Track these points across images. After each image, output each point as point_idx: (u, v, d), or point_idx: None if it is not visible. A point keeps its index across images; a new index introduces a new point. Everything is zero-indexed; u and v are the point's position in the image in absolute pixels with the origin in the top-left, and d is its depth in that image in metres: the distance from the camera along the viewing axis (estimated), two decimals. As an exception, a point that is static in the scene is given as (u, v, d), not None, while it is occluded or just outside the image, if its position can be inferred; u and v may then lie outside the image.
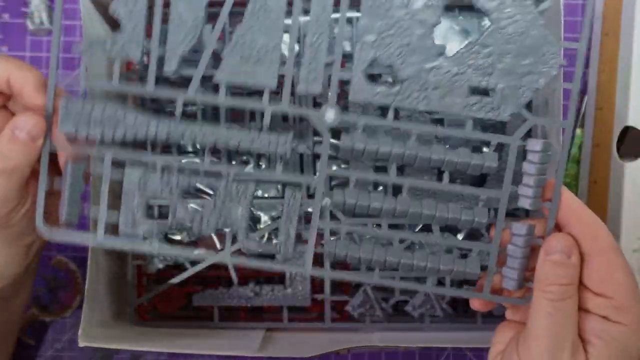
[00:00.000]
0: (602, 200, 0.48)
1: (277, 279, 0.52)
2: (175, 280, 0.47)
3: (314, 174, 0.49)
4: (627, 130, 0.50)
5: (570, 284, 0.35)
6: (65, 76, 0.54)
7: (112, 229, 0.39)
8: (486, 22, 0.50)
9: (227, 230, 0.38)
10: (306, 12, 0.37)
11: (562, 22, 0.43)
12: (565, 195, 0.37)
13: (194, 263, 0.50)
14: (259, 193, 0.49)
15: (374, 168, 0.48)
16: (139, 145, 0.39)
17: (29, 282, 0.47)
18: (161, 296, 0.52)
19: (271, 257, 0.42)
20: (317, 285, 0.49)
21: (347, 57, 0.48)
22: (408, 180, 0.38)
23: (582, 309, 0.36)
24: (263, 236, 0.50)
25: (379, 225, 0.41)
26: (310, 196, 0.38)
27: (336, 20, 0.37)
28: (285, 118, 0.49)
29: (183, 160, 0.40)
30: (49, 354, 0.55)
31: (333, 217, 0.45)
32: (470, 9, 0.47)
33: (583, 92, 0.53)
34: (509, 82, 0.37)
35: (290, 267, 0.39)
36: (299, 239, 0.39)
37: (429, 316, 0.51)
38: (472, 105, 0.37)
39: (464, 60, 0.37)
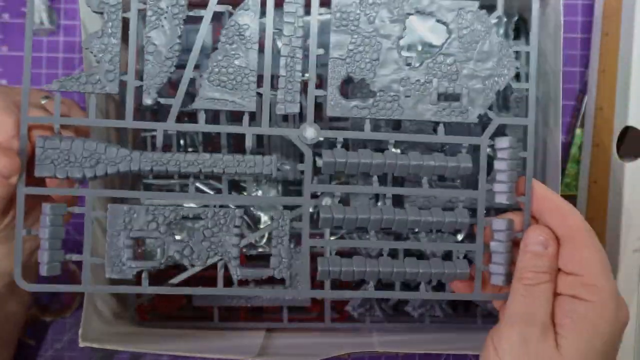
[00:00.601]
0: (602, 200, 0.49)
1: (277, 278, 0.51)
2: (175, 280, 0.45)
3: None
4: (627, 130, 0.49)
5: (544, 272, 0.37)
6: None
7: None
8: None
9: (219, 261, 0.38)
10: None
11: (562, 22, 0.44)
12: (537, 187, 0.39)
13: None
14: (259, 193, 0.49)
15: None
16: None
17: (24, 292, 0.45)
18: (161, 296, 0.51)
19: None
20: (317, 285, 0.48)
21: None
22: (390, 190, 0.39)
23: (556, 293, 0.38)
24: (263, 236, 0.49)
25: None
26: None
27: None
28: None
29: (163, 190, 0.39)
30: (49, 354, 0.54)
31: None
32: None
33: (583, 92, 0.54)
34: (473, 85, 0.39)
35: (290, 292, 0.39)
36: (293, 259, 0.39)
37: (428, 316, 0.52)
38: (443, 110, 0.39)
39: (430, 69, 0.39)
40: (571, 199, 0.52)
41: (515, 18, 0.50)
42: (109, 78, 0.37)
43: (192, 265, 0.38)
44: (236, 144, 0.46)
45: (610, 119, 0.49)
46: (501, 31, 0.50)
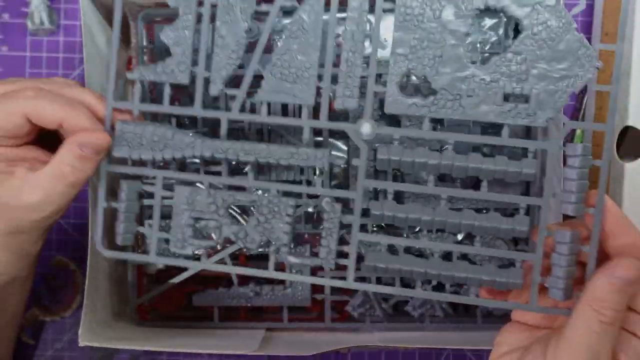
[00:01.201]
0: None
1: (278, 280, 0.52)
2: (175, 280, 0.47)
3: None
4: (627, 130, 0.49)
5: (621, 311, 0.34)
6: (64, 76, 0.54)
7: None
8: (486, 22, 0.49)
9: (270, 248, 0.39)
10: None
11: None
12: (610, 205, 0.36)
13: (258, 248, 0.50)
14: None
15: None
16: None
17: (23, 287, 0.47)
18: (161, 296, 0.52)
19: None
20: (317, 285, 0.48)
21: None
22: (446, 190, 0.38)
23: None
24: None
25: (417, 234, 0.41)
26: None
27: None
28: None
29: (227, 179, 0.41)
30: (49, 354, 0.54)
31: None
32: None
33: (583, 92, 0.52)
34: (544, 87, 0.36)
35: (332, 282, 0.40)
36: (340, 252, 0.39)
37: (429, 316, 0.50)
38: (508, 112, 0.37)
39: (497, 68, 0.37)
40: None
41: None
42: (180, 69, 0.40)
43: (246, 247, 0.40)
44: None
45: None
46: (501, 31, 0.48)
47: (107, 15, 0.48)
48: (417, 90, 0.40)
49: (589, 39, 0.50)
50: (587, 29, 0.51)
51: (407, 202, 0.46)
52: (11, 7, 0.54)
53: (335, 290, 0.51)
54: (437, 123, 0.47)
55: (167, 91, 0.40)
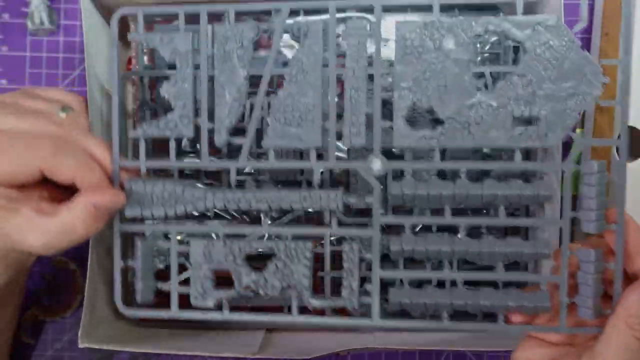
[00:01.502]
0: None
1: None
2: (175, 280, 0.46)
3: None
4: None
5: None
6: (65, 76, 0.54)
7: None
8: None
9: (291, 292, 0.39)
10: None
11: (562, 22, 0.41)
12: (631, 222, 0.36)
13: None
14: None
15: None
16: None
17: (14, 297, 0.47)
18: (161, 296, 0.50)
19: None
20: (317, 285, 0.47)
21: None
22: (464, 220, 0.38)
23: None
24: (263, 236, 0.47)
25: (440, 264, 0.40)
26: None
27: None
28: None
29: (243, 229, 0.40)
30: (49, 354, 0.54)
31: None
32: (469, 8, 0.46)
33: None
34: (553, 107, 0.36)
35: (358, 322, 0.39)
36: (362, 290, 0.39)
37: (429, 316, 0.49)
38: (518, 135, 0.36)
39: (503, 92, 0.36)
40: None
41: None
42: (183, 123, 0.39)
43: (267, 295, 0.39)
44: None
45: (610, 119, 0.46)
46: None
47: (107, 15, 0.47)
48: (424, 122, 0.39)
49: (589, 39, 0.49)
50: (587, 29, 0.51)
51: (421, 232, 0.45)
52: (11, 7, 0.53)
53: (335, 290, 0.50)
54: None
55: (172, 146, 0.40)
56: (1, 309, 0.46)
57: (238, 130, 0.40)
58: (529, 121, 0.37)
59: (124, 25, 0.38)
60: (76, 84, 0.53)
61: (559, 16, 0.36)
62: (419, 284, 0.39)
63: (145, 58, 0.48)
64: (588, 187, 0.36)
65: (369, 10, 0.38)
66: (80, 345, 0.43)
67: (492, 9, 0.45)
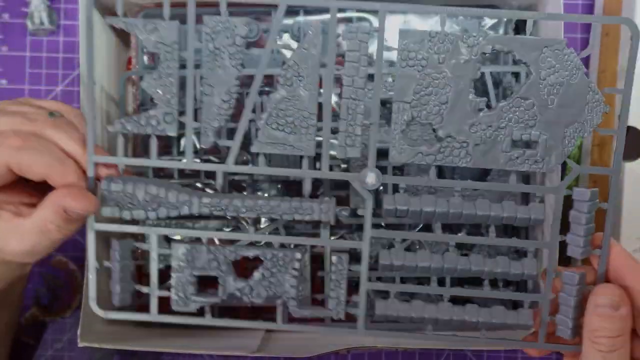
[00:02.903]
0: (602, 201, 0.49)
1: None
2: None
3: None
4: (627, 131, 0.48)
5: (619, 336, 0.35)
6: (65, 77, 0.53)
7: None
8: (487, 22, 0.48)
9: (277, 301, 0.39)
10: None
11: (562, 22, 0.42)
12: (614, 245, 0.36)
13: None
14: (259, 194, 0.49)
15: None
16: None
17: (14, 298, 0.46)
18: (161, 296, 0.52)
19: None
20: (317, 285, 0.48)
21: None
22: (454, 237, 0.38)
23: (633, 357, 0.36)
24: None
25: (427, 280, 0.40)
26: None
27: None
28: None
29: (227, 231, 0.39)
30: (49, 354, 0.54)
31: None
32: (468, 5, 0.46)
33: None
34: (553, 132, 0.36)
35: (343, 331, 0.39)
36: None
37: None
38: (516, 158, 0.36)
39: (504, 114, 0.36)
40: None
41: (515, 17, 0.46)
42: (167, 120, 0.37)
43: (252, 303, 0.39)
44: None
45: (610, 118, 0.47)
46: (501, 31, 0.48)
47: (107, 15, 0.45)
48: (421, 137, 0.38)
49: (588, 39, 0.49)
50: (587, 29, 0.50)
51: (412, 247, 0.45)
52: (11, 7, 0.53)
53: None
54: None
55: (153, 144, 0.38)
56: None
57: (233, 131, 0.38)
58: (527, 144, 0.36)
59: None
60: (76, 84, 0.52)
61: (566, 40, 0.35)
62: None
63: (145, 58, 0.45)
64: (578, 213, 0.36)
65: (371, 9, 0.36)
66: (80, 345, 0.42)
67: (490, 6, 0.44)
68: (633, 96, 0.46)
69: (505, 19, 0.47)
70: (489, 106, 0.37)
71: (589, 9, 0.49)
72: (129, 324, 0.50)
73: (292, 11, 0.36)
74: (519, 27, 0.48)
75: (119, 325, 0.48)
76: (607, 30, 0.47)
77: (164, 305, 0.39)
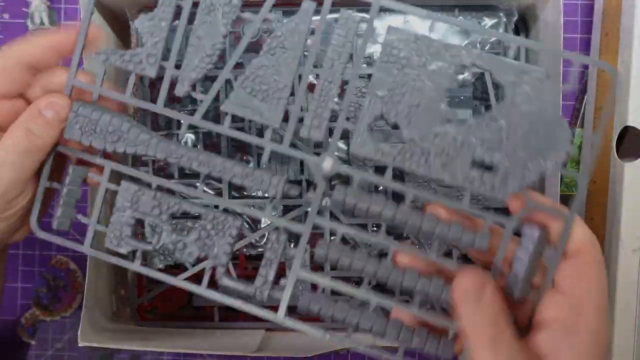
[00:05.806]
0: (601, 200, 0.48)
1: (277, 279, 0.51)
2: (180, 278, 0.46)
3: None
4: (626, 130, 0.49)
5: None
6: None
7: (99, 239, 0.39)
8: (486, 22, 0.49)
9: (207, 264, 0.38)
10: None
11: (562, 22, 0.43)
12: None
13: (194, 263, 0.49)
14: (259, 193, 0.49)
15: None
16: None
17: None
18: (161, 296, 0.52)
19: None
20: (317, 285, 0.47)
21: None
22: (396, 243, 0.37)
23: None
24: (263, 236, 0.50)
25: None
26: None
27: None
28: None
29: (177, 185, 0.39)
30: (49, 353, 0.55)
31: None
32: (469, 8, 0.46)
33: (583, 92, 0.52)
34: (514, 162, 0.35)
35: (262, 313, 0.38)
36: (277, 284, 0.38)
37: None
38: (472, 179, 0.35)
39: (472, 130, 0.35)
40: (571, 199, 0.51)
41: (515, 17, 0.48)
42: (150, 61, 0.38)
43: (184, 260, 0.38)
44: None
45: (610, 119, 0.47)
46: (500, 30, 0.48)
47: (107, 15, 0.46)
48: (386, 136, 0.38)
49: (589, 39, 0.49)
50: (587, 29, 0.50)
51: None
52: (11, 7, 0.54)
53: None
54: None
55: (131, 80, 0.38)
56: None
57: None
58: (488, 167, 0.36)
59: (123, 26, 0.37)
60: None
61: (548, 71, 0.35)
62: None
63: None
64: (523, 251, 0.35)
65: (367, 7, 0.37)
66: (80, 344, 0.42)
67: (492, 9, 0.45)
68: (633, 96, 0.45)
69: (505, 19, 0.48)
70: (487, 107, 0.36)
71: (589, 9, 0.49)
72: (129, 324, 0.51)
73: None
74: (519, 27, 0.48)
75: (119, 325, 0.49)
76: (607, 30, 0.47)
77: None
